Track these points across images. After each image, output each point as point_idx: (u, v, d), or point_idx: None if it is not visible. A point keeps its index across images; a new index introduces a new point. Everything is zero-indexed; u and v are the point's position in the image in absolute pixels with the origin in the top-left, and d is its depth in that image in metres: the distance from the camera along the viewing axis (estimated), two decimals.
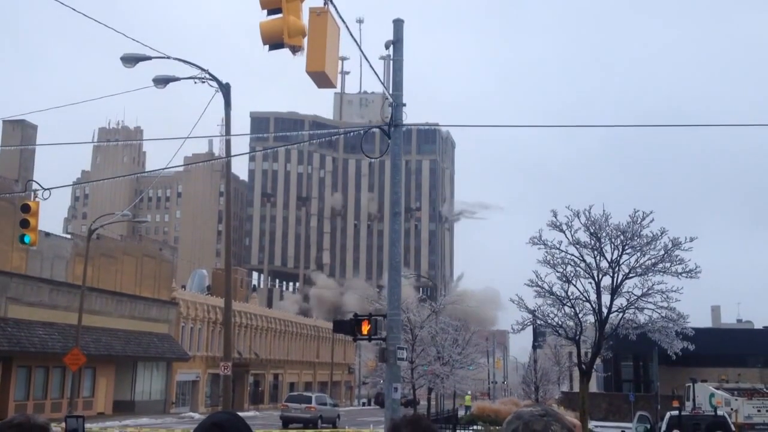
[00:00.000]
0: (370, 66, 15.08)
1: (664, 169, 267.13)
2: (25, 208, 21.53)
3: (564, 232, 28.21)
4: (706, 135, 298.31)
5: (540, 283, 28.69)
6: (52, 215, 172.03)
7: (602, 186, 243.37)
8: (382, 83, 16.52)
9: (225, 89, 26.75)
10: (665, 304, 27.60)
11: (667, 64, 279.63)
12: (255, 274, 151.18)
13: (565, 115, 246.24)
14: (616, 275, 28.20)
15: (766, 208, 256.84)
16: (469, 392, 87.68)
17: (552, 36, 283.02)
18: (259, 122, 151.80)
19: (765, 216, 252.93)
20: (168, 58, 24.97)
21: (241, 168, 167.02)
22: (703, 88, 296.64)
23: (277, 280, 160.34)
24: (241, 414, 4.34)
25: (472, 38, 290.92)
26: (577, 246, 28.33)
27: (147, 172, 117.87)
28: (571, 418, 3.06)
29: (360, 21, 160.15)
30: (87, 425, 27.87)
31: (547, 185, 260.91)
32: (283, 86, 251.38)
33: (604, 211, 28.28)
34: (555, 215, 28.10)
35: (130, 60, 24.69)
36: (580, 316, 29.08)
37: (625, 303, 28.40)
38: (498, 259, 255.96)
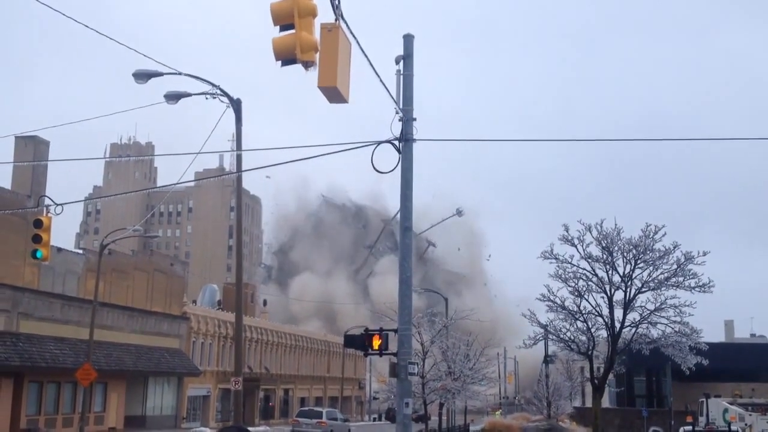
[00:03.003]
0: (381, 81, 15.10)
1: (669, 183, 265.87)
2: (38, 224, 21.64)
3: (576, 247, 28.14)
4: (711, 148, 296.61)
5: (552, 297, 28.61)
6: (64, 230, 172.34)
7: (602, 198, 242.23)
8: (392, 97, 16.52)
9: (236, 105, 26.89)
10: (678, 319, 27.48)
11: (663, 79, 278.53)
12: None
13: (558, 128, 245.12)
14: (628, 289, 28.08)
15: None
16: (499, 412, 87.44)
17: (548, 51, 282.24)
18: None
19: None
20: (179, 74, 25.13)
21: (251, 183, 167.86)
22: (696, 103, 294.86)
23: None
24: (251, 429, 4.33)
25: (459, 56, 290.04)
26: (589, 260, 28.25)
27: (158, 187, 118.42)
28: None
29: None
30: None
31: (544, 198, 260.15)
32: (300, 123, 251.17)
33: (616, 225, 28.19)
34: (566, 229, 28.03)
35: (142, 76, 24.87)
36: (592, 330, 28.94)
37: (637, 317, 28.28)
38: (501, 269, 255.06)
